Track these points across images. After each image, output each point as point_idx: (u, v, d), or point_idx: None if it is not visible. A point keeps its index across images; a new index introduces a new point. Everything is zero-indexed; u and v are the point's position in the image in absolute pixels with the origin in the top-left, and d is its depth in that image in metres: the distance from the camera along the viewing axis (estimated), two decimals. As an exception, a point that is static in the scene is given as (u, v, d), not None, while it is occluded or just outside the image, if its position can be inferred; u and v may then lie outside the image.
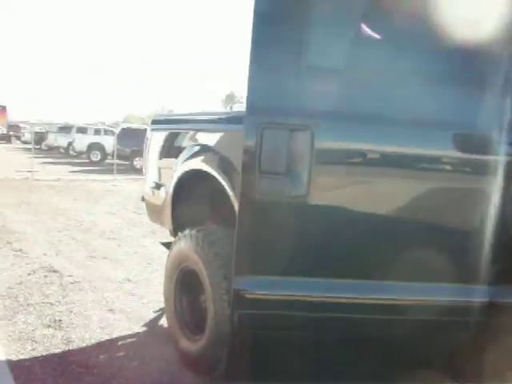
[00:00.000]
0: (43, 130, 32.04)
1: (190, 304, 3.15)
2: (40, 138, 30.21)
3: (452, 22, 1.67)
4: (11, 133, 41.37)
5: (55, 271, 5.12)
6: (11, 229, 7.10)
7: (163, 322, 3.76)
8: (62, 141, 26.02)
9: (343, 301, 1.69)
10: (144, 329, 3.79)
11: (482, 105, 1.74)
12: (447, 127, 1.68)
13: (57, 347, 3.39)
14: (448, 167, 1.74)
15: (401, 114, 1.65)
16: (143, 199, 4.26)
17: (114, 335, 3.65)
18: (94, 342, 3.52)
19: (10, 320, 3.79)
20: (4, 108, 50.73)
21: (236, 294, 1.68)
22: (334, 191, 1.65)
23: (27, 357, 3.22)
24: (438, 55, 1.73)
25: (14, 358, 3.19)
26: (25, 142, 33.82)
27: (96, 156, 23.60)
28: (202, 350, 2.89)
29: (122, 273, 5.17)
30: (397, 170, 1.68)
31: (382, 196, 1.65)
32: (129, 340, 3.59)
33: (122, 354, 3.39)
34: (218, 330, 2.64)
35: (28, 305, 4.14)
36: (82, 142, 24.02)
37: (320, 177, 1.60)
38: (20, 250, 5.94)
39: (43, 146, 29.70)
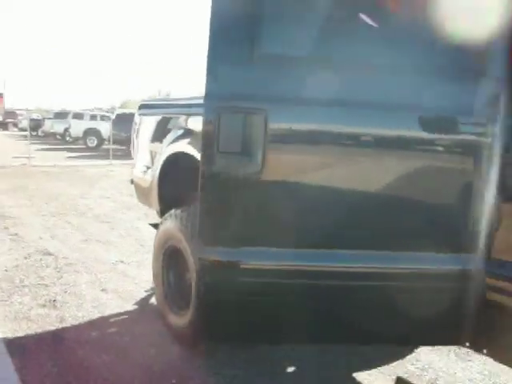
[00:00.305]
0: (40, 117, 32.05)
1: (176, 281, 3.29)
2: (37, 124, 30.26)
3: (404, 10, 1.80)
4: (8, 120, 41.33)
5: (50, 254, 5.26)
6: (7, 214, 7.23)
7: (153, 300, 3.91)
8: (58, 127, 26.06)
9: (297, 268, 1.84)
10: (135, 307, 3.93)
11: (437, 87, 1.87)
12: (394, 108, 1.81)
13: (51, 325, 3.53)
14: (389, 143, 1.87)
15: (347, 96, 1.78)
16: (132, 182, 4.38)
17: (106, 313, 3.79)
18: (86, 319, 3.66)
19: (6, 301, 3.93)
20: (1, 95, 50.58)
21: (201, 262, 1.82)
22: (286, 167, 1.79)
23: (22, 335, 3.36)
24: (387, 36, 1.86)
25: (9, 335, 3.33)
26: (22, 129, 33.83)
27: (92, 141, 23.68)
28: (187, 324, 3.04)
29: (116, 255, 5.31)
30: (340, 147, 1.81)
31: (327, 170, 1.79)
32: (120, 317, 3.74)
33: (113, 330, 3.54)
34: (201, 305, 2.78)
35: (24, 286, 4.28)
36: (78, 128, 24.07)
37: (273, 155, 1.74)
38: (16, 234, 6.08)
39: (40, 133, 29.77)
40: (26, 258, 5.12)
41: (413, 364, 3.21)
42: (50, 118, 27.85)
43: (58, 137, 27.18)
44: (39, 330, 3.45)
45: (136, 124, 4.20)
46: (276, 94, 1.78)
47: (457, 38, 1.76)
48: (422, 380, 3.01)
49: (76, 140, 25.01)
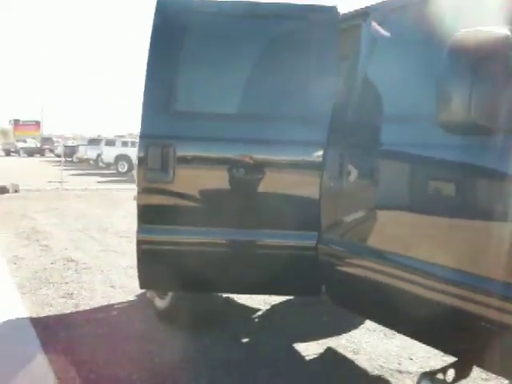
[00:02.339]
0: (74, 144, 33.70)
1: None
2: (72, 151, 31.89)
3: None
4: (45, 146, 43.30)
5: (73, 260, 6.30)
6: (40, 230, 8.35)
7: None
8: (91, 153, 27.56)
9: (196, 240, 2.82)
10: (135, 298, 4.91)
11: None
12: (249, 143, 2.80)
13: (67, 310, 4.53)
14: (251, 162, 2.86)
15: (219, 136, 2.79)
16: (134, 199, 5.40)
17: (112, 302, 4.78)
18: (95, 306, 4.66)
19: (33, 293, 4.96)
20: (38, 123, 52.95)
21: (138, 242, 2.83)
22: (187, 178, 2.79)
23: (44, 315, 4.37)
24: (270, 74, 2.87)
25: (34, 316, 4.34)
26: (57, 155, 35.64)
27: (123, 167, 25.00)
28: (168, 305, 4.00)
29: (128, 261, 6.29)
30: (218, 164, 2.83)
31: (212, 179, 2.78)
32: (122, 305, 4.72)
33: (115, 313, 4.52)
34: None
35: (49, 283, 5.31)
36: (109, 154, 25.48)
37: (179, 171, 2.74)
38: (46, 245, 7.17)
39: (74, 159, 31.34)
40: (52, 263, 6.17)
41: (346, 339, 4.09)
42: (83, 145, 29.41)
43: (91, 162, 28.68)
44: (57, 313, 4.44)
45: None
46: (180, 135, 2.79)
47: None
48: (347, 350, 3.89)
49: (108, 166, 26.39)
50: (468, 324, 1.95)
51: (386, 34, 2.51)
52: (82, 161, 30.34)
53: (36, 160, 37.24)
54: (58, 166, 19.79)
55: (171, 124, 2.80)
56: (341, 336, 4.13)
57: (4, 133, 62.60)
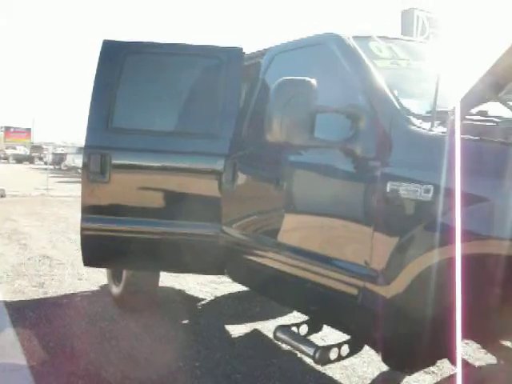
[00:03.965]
0: (63, 152, 34.33)
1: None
2: (60, 158, 32.51)
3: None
4: (34, 154, 43.81)
5: (48, 257, 7.01)
6: (21, 231, 9.04)
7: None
8: (79, 161, 28.06)
9: (132, 229, 3.57)
10: (98, 288, 5.64)
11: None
12: (170, 153, 3.57)
13: (37, 296, 5.25)
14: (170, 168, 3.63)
15: (147, 147, 3.55)
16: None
17: (77, 291, 5.51)
18: (62, 294, 5.38)
19: (9, 283, 5.66)
20: (29, 130, 53.47)
21: (81, 229, 3.60)
22: (120, 180, 3.55)
23: (17, 300, 5.08)
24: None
25: (8, 300, 5.05)
26: (46, 163, 36.25)
27: (109, 175, 25.56)
28: (121, 291, 4.74)
29: (97, 259, 7.01)
30: (144, 169, 3.64)
31: (139, 180, 3.58)
32: (85, 293, 5.45)
33: (78, 299, 5.24)
34: (130, 278, 4.50)
35: (24, 275, 6.01)
36: (96, 163, 26.02)
37: (114, 174, 3.50)
38: (25, 244, 7.87)
39: (63, 167, 31.94)
40: (29, 259, 6.87)
41: (272, 324, 4.81)
42: (71, 153, 30.05)
43: (79, 170, 29.30)
44: (28, 298, 5.16)
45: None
46: (115, 146, 3.56)
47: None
48: (270, 332, 4.62)
49: (95, 174, 26.94)
50: (319, 291, 2.68)
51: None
52: (70, 168, 30.96)
53: (25, 167, 37.84)
54: (47, 173, 20.45)
55: (108, 137, 3.58)
56: (268, 321, 4.85)
57: (-5, 139, 62.99)
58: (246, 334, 4.48)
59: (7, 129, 56.78)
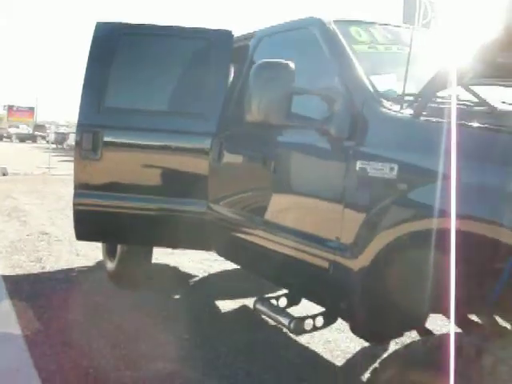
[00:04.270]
0: (66, 131, 34.43)
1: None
2: (62, 138, 32.64)
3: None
4: (37, 133, 43.91)
5: (46, 233, 7.16)
6: (21, 208, 9.19)
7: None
8: (81, 141, 28.19)
9: (123, 204, 3.68)
10: (94, 264, 5.79)
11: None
12: (158, 132, 3.68)
13: (35, 271, 5.41)
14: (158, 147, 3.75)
15: (137, 126, 3.66)
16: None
17: (73, 266, 5.66)
18: (59, 269, 5.53)
19: (8, 258, 5.81)
20: (32, 109, 53.51)
21: (74, 204, 3.73)
22: (111, 156, 3.64)
23: (14, 274, 5.24)
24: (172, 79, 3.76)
25: (6, 274, 5.21)
26: (49, 142, 36.39)
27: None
28: (115, 267, 4.88)
29: (95, 236, 7.16)
30: (135, 147, 3.74)
31: (130, 157, 3.67)
32: (81, 269, 5.60)
33: (73, 274, 5.39)
34: (124, 254, 4.64)
35: (22, 251, 6.16)
36: (98, 142, 26.14)
37: (106, 150, 3.60)
38: (24, 221, 8.02)
39: (65, 146, 32.08)
40: (28, 235, 7.03)
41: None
42: (74, 132, 30.07)
43: (81, 150, 29.37)
44: (25, 273, 5.31)
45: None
46: (106, 124, 3.65)
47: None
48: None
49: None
50: (295, 265, 2.80)
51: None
52: (72, 148, 30.92)
53: (28, 146, 37.98)
54: (49, 152, 20.61)
55: (100, 116, 3.69)
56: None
57: (-2, 118, 63.06)
58: (235, 310, 4.63)
59: (10, 107, 56.73)
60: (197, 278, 5.55)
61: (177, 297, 4.91)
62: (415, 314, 2.36)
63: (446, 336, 1.85)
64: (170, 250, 6.10)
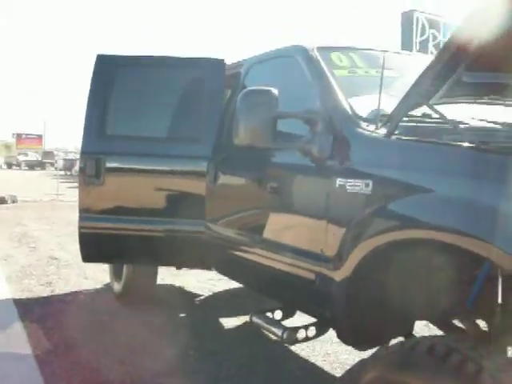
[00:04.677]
0: (74, 157, 34.84)
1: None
2: (71, 164, 32.99)
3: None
4: (45, 160, 44.39)
5: (56, 258, 7.35)
6: (31, 235, 9.41)
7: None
8: (89, 167, 28.54)
9: (124, 227, 3.86)
10: (103, 287, 5.96)
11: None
12: (152, 157, 3.90)
13: (45, 294, 5.58)
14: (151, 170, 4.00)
15: (132, 151, 3.88)
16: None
17: (82, 289, 5.83)
18: (68, 291, 5.71)
19: (18, 282, 6.00)
20: (40, 136, 54.16)
21: (79, 227, 3.92)
22: (112, 181, 3.84)
23: (25, 297, 5.42)
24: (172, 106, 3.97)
25: (17, 297, 5.39)
26: (57, 169, 36.79)
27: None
28: (122, 288, 5.05)
29: (103, 260, 7.34)
30: (133, 171, 3.93)
31: (129, 180, 3.91)
32: (90, 291, 5.77)
33: (82, 297, 5.57)
34: (130, 275, 4.83)
35: (32, 275, 6.35)
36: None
37: (108, 175, 3.80)
38: (34, 247, 8.22)
39: (73, 172, 32.44)
40: (37, 260, 7.22)
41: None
42: (81, 159, 30.42)
43: (89, 176, 29.69)
44: (35, 296, 5.49)
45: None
46: (108, 151, 3.88)
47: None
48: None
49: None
50: (286, 278, 2.97)
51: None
52: (80, 174, 31.31)
53: (36, 173, 38.45)
54: (58, 179, 20.91)
55: (102, 144, 3.91)
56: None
57: (7, 146, 63.92)
58: (237, 326, 4.77)
59: (19, 136, 57.57)
60: (202, 297, 5.69)
61: (182, 315, 5.06)
62: (398, 321, 2.51)
63: (420, 338, 2.00)
64: (176, 271, 6.27)
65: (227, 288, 6.01)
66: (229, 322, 4.84)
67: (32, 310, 4.93)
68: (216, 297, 5.78)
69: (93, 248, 3.99)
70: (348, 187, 2.35)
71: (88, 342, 4.20)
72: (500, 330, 2.12)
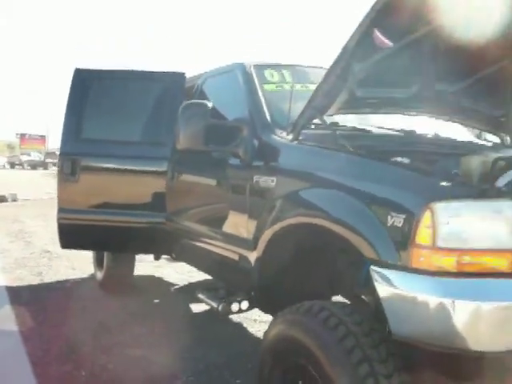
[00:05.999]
0: (75, 157, 35.34)
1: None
2: (72, 164, 33.44)
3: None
4: (48, 160, 44.98)
5: (48, 252, 7.90)
6: (27, 230, 9.98)
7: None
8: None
9: (96, 218, 4.42)
10: (88, 276, 6.52)
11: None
12: (126, 159, 4.44)
13: (35, 283, 6.15)
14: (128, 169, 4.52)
15: (113, 152, 4.42)
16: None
17: (69, 278, 6.40)
18: (56, 280, 6.27)
19: (11, 272, 6.56)
20: (44, 137, 54.82)
21: (57, 218, 4.48)
22: (87, 179, 4.39)
23: (16, 285, 5.98)
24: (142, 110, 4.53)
25: (8, 285, 5.95)
26: (59, 168, 37.28)
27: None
28: (103, 276, 5.62)
29: (91, 253, 7.88)
30: (107, 170, 4.47)
31: (102, 177, 4.42)
32: (76, 280, 6.33)
33: (69, 285, 6.13)
34: (109, 264, 5.39)
35: (25, 266, 6.91)
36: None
37: (82, 173, 4.34)
38: (29, 242, 8.79)
39: (75, 172, 32.94)
40: (31, 253, 7.78)
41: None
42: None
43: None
44: (26, 284, 6.06)
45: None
46: (83, 152, 4.41)
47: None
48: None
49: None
50: (220, 259, 3.53)
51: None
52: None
53: (39, 173, 39.10)
54: (57, 178, 21.48)
55: (78, 146, 4.47)
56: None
57: (11, 146, 64.64)
58: (205, 311, 5.29)
59: (22, 136, 58.28)
60: (177, 286, 6.23)
61: (157, 301, 5.62)
62: (299, 293, 3.00)
63: (311, 303, 2.51)
64: (157, 263, 6.82)
65: (205, 278, 6.53)
66: (197, 308, 5.37)
67: (21, 296, 5.49)
68: (191, 286, 6.29)
69: (70, 237, 4.56)
70: (261, 183, 2.91)
71: (69, 321, 4.74)
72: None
